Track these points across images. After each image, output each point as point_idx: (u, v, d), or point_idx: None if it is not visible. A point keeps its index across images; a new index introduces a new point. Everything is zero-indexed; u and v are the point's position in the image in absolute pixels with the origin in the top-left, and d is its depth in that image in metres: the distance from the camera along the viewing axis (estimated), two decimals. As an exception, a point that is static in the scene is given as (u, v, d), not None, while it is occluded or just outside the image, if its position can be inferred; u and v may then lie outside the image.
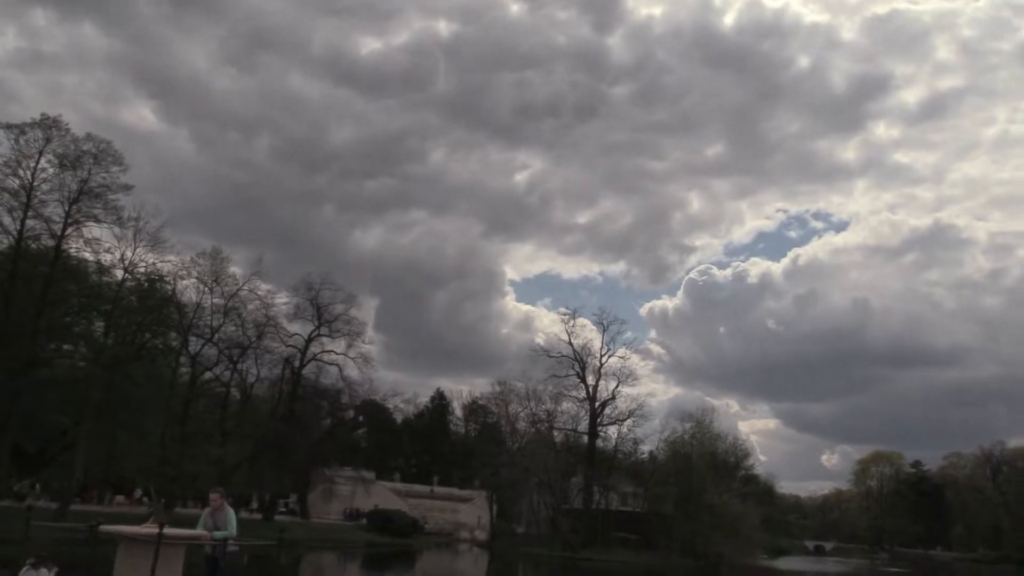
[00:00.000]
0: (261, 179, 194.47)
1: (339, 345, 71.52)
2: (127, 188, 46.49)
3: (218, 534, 11.07)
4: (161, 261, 52.61)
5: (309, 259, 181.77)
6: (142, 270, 52.22)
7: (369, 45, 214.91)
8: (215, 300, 59.61)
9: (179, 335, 56.92)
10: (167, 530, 9.77)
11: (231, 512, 11.53)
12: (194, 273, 57.48)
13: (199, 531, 11.15)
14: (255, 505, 78.87)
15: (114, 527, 9.90)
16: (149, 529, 9.46)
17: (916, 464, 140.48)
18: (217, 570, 11.22)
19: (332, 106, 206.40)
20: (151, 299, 56.58)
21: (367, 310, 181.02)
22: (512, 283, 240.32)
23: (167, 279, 56.32)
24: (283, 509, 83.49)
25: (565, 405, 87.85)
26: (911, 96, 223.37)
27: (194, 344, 59.10)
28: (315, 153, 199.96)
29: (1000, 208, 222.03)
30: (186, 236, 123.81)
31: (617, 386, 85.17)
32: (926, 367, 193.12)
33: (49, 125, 43.24)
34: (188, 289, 58.55)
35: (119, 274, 50.06)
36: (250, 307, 63.17)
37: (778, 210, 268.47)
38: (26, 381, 47.81)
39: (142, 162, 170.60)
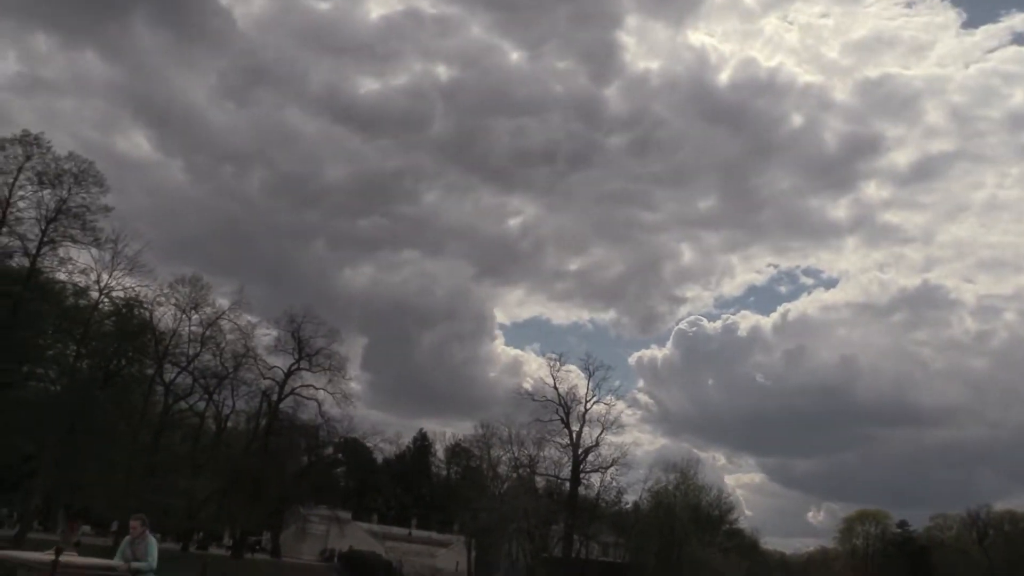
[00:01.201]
0: (253, 213, 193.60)
1: (320, 380, 70.00)
2: (107, 209, 45.69)
3: (135, 565, 9.96)
4: (139, 286, 51.40)
5: (298, 295, 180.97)
6: (120, 294, 51.09)
7: (367, 85, 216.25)
8: (193, 328, 58.37)
9: (154, 362, 55.46)
10: (70, 558, 8.68)
11: (152, 542, 10.40)
12: (173, 299, 56.28)
13: (115, 561, 10.03)
14: (228, 542, 76.75)
15: (8, 552, 8.79)
16: (44, 556, 8.38)
17: (902, 524, 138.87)
18: None
19: (327, 143, 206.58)
20: (128, 325, 55.43)
21: (355, 348, 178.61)
22: (502, 327, 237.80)
23: (145, 304, 55.20)
24: (256, 547, 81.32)
25: (548, 451, 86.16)
26: (902, 158, 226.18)
27: (169, 372, 57.64)
28: (308, 189, 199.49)
29: (987, 271, 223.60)
30: (174, 266, 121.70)
31: (601, 433, 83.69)
32: (913, 426, 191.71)
33: (30, 142, 42.49)
34: (165, 316, 57.38)
35: (94, 296, 48.83)
36: (229, 337, 62.07)
37: (769, 265, 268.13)
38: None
39: (135, 190, 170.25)
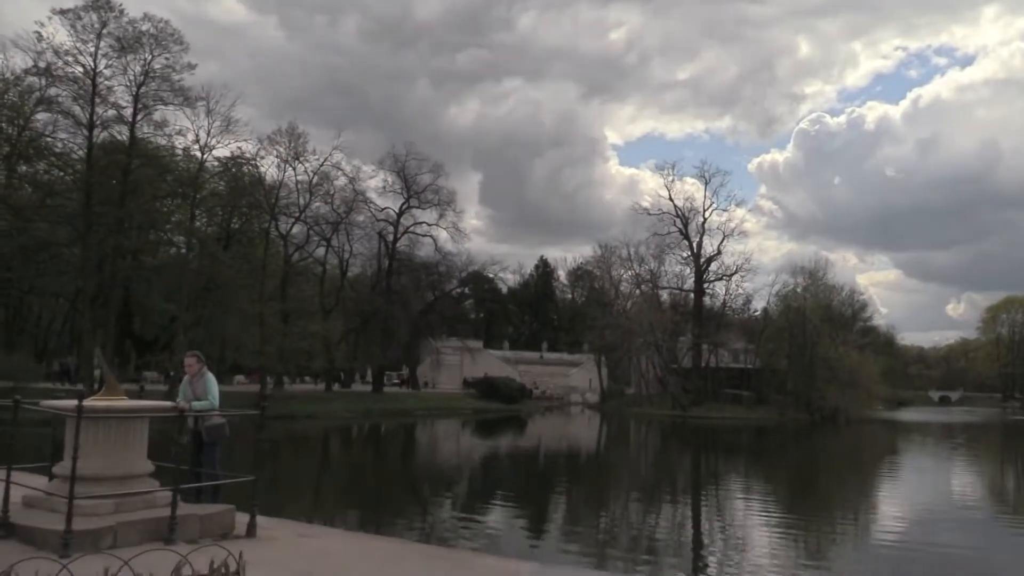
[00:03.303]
0: (353, 61, 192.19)
1: (431, 216, 70.72)
2: (191, 67, 45.14)
3: (196, 404, 9.48)
4: (236, 141, 51.56)
5: (407, 138, 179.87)
6: (222, 152, 51.62)
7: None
8: (299, 178, 58.85)
9: (268, 215, 56.55)
10: (113, 401, 8.14)
11: (211, 378, 9.86)
12: (273, 152, 56.47)
13: (169, 403, 9.56)
14: (370, 379, 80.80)
15: (46, 403, 8.35)
16: (66, 402, 7.85)
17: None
18: (202, 447, 9.78)
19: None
20: (239, 182, 56.41)
21: (471, 185, 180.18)
22: (614, 147, 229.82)
23: (250, 160, 55.77)
24: (396, 381, 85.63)
25: (669, 265, 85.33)
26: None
27: (283, 224, 58.89)
28: (403, 30, 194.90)
29: None
30: (283, 124, 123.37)
31: (722, 241, 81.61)
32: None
33: (103, 6, 41.74)
34: (270, 168, 57.91)
35: (197, 155, 49.52)
36: (337, 183, 62.53)
37: (896, 48, 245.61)
38: (135, 269, 48.86)
39: (236, 54, 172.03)
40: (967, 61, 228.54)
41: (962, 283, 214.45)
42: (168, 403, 9.08)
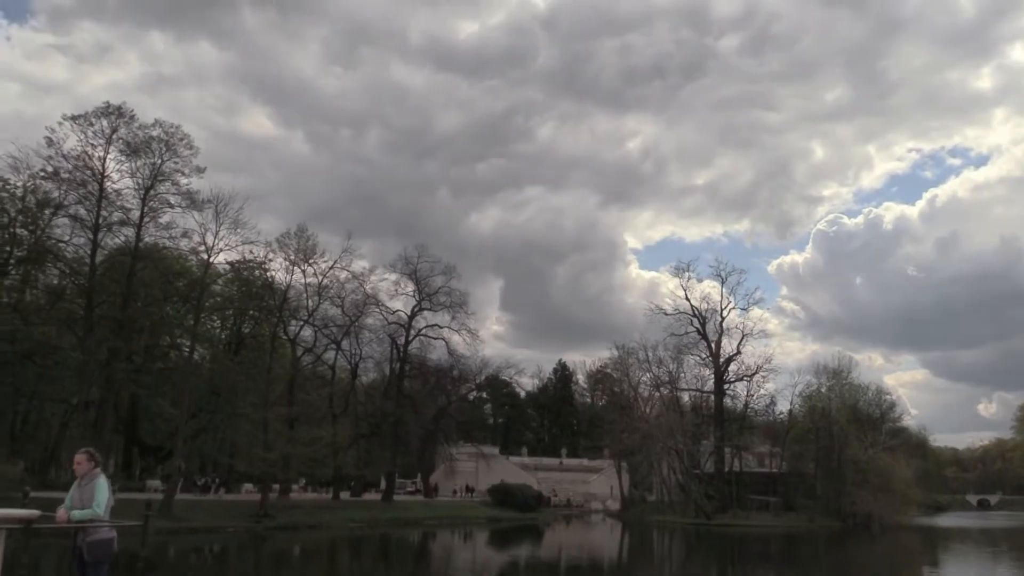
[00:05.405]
0: (376, 172, 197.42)
1: (443, 318, 69.73)
2: (200, 171, 45.36)
3: (75, 514, 8.11)
4: (244, 243, 51.26)
5: (429, 245, 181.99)
6: (231, 256, 51.42)
7: (466, 28, 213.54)
8: (309, 280, 58.32)
9: (277, 319, 55.76)
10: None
11: (102, 483, 8.21)
12: (282, 255, 56.12)
13: (35, 511, 7.88)
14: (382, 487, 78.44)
15: None
16: None
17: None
18: (85, 567, 8.05)
19: (436, 93, 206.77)
20: (249, 286, 55.94)
21: (492, 291, 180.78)
22: (634, 251, 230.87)
23: (261, 264, 55.45)
24: (410, 489, 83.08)
25: (689, 367, 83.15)
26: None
27: (292, 327, 57.98)
28: (424, 141, 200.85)
29: None
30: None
31: (742, 340, 79.68)
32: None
33: (114, 113, 42.41)
34: (278, 272, 57.44)
35: (203, 258, 49.24)
36: (348, 287, 61.92)
37: (910, 150, 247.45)
38: (135, 373, 48.08)
39: (265, 167, 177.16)
40: (981, 161, 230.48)
41: (992, 382, 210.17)
42: (30, 512, 7.61)
